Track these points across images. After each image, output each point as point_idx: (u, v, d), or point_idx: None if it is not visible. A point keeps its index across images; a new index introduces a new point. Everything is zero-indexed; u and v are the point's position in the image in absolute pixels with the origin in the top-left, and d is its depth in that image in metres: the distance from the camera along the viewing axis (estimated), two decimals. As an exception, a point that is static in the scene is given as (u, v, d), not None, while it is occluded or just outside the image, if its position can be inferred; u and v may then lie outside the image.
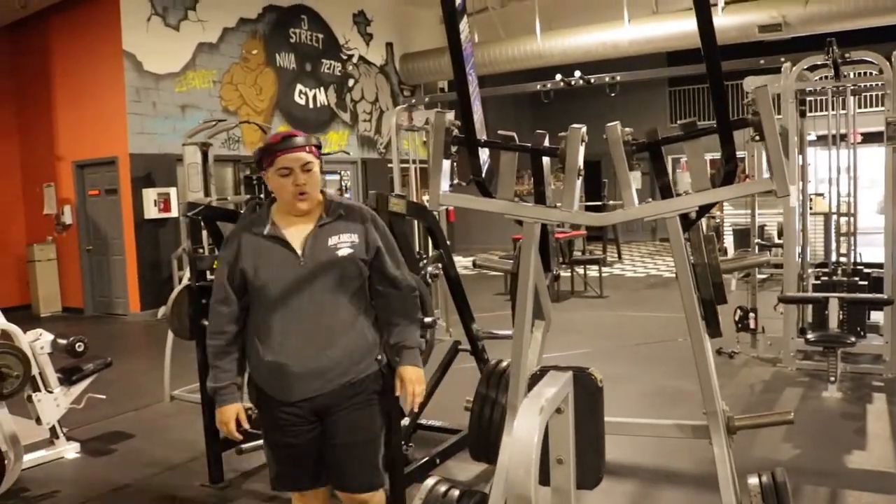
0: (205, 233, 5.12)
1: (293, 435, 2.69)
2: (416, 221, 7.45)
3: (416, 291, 2.86)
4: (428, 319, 3.87)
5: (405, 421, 4.11)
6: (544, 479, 1.85)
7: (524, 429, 1.60)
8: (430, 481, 2.68)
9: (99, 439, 5.28)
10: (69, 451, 4.97)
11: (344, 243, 2.62)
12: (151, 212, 10.56)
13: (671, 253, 2.61)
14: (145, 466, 4.73)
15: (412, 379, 2.69)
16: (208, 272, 4.44)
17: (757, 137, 2.71)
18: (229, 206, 9.23)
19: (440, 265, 4.59)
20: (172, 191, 10.76)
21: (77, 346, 4.95)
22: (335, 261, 2.60)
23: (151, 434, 5.40)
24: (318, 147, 2.66)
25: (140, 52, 10.64)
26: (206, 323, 4.28)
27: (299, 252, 2.59)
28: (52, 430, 4.91)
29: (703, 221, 10.37)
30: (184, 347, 5.84)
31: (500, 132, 2.70)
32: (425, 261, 4.57)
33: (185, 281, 5.42)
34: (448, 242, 4.72)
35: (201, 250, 4.42)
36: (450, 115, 2.68)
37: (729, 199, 3.77)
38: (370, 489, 2.73)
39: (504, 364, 3.54)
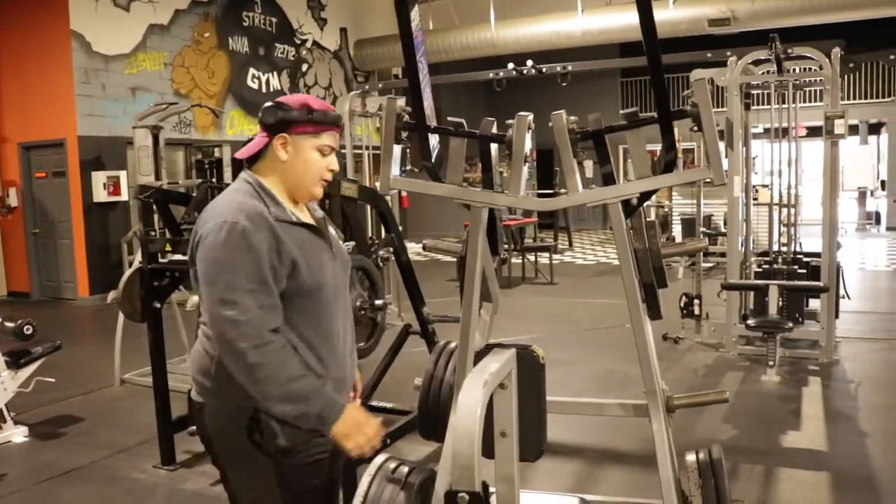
0: (157, 216, 5.11)
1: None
2: (368, 207, 7.50)
3: None
4: (379, 302, 3.94)
5: (356, 402, 4.18)
6: (488, 451, 1.93)
7: (468, 402, 1.67)
8: (379, 458, 2.69)
9: (48, 423, 5.24)
10: (17, 434, 4.93)
11: (338, 236, 2.33)
12: (101, 195, 10.38)
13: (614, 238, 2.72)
14: (96, 449, 4.71)
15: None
16: (159, 255, 4.44)
17: (696, 128, 2.83)
18: (180, 190, 9.19)
19: (392, 249, 4.65)
20: (123, 174, 10.60)
21: (25, 328, 4.92)
22: (345, 254, 2.29)
23: (102, 417, 5.38)
24: None
25: (89, 32, 10.43)
26: (157, 305, 4.34)
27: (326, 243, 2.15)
28: (0, 413, 4.86)
29: (652, 210, 10.59)
30: (134, 331, 5.84)
31: (449, 119, 2.77)
32: (377, 245, 4.64)
33: (137, 264, 5.40)
34: (401, 228, 4.80)
35: (153, 233, 4.42)
36: (401, 101, 2.74)
37: (668, 186, 3.90)
38: None
39: (452, 345, 3.61)
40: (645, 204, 3.02)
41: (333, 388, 2.04)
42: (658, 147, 2.76)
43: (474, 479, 1.61)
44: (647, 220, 3.17)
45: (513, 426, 1.85)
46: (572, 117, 2.88)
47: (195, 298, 5.98)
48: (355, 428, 1.94)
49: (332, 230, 2.24)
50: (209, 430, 2.06)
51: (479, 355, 2.22)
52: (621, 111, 2.94)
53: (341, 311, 2.13)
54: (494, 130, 2.86)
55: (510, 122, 2.80)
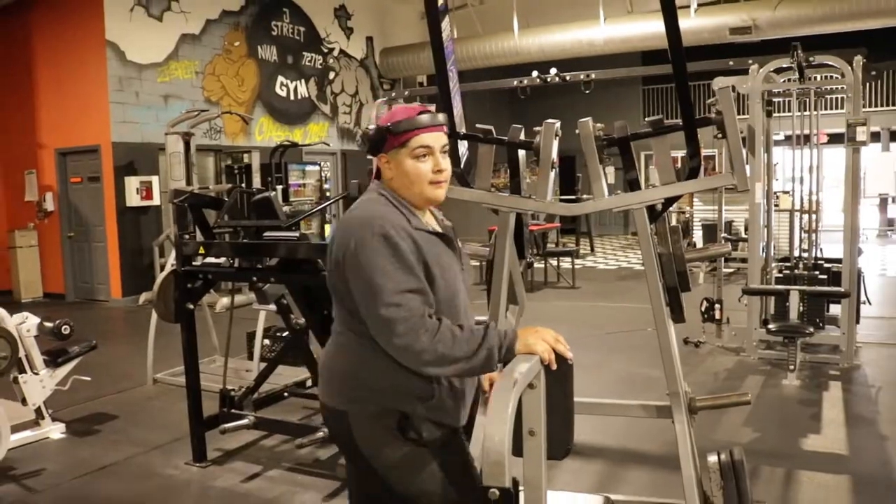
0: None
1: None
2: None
3: None
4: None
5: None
6: (517, 449, 2.00)
7: (499, 402, 1.74)
8: None
9: (83, 420, 5.38)
10: (54, 431, 5.05)
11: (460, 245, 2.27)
12: (133, 200, 10.60)
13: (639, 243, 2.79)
14: (129, 446, 4.83)
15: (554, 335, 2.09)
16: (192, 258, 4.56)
17: (720, 135, 2.91)
18: (211, 195, 9.35)
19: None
20: (155, 179, 10.81)
21: (63, 328, 5.03)
22: (469, 263, 2.30)
23: (135, 415, 5.51)
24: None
25: (123, 42, 10.67)
26: (190, 307, 4.46)
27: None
28: (38, 411, 4.98)
29: (673, 216, 10.61)
30: (166, 332, 5.98)
31: (477, 126, 2.87)
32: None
33: (171, 266, 5.53)
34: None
35: (188, 236, 4.53)
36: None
37: (693, 192, 3.96)
38: None
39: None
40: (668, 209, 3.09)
41: (452, 400, 2.09)
42: (681, 154, 2.84)
43: (504, 475, 1.66)
44: (671, 225, 3.25)
45: (541, 425, 1.91)
46: (598, 124, 2.97)
47: (225, 300, 6.12)
48: (534, 338, 1.96)
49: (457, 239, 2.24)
50: (356, 437, 2.08)
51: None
52: (646, 119, 3.02)
53: (466, 320, 2.10)
54: (522, 137, 2.95)
55: (537, 129, 2.90)
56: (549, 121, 2.85)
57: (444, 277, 2.04)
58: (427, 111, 2.08)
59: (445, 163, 2.10)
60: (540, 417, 1.88)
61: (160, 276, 5.53)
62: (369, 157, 2.17)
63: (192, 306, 4.49)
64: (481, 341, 1.94)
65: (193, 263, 4.55)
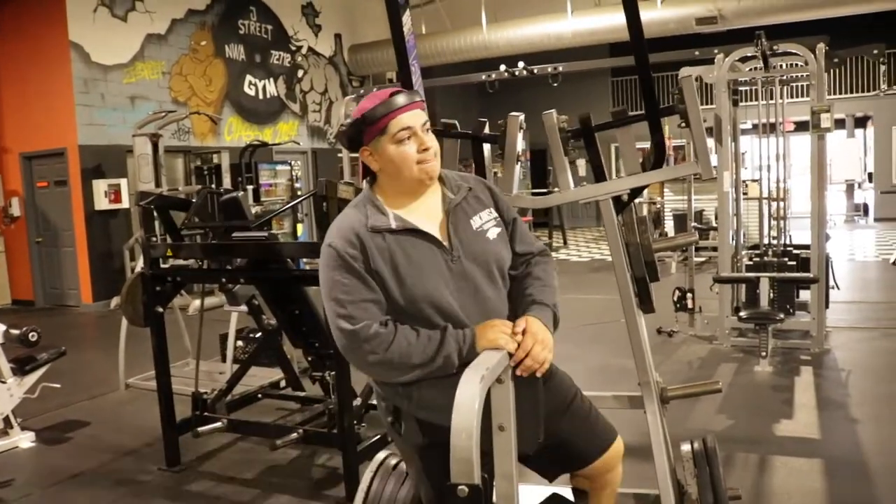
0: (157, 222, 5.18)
1: None
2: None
3: (547, 252, 2.29)
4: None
5: (357, 401, 4.26)
6: (488, 445, 1.99)
7: (466, 397, 1.72)
8: (381, 454, 2.75)
9: (54, 428, 5.31)
10: (24, 440, 4.98)
11: (489, 222, 2.10)
12: (102, 203, 10.47)
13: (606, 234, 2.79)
14: (101, 453, 4.77)
15: (535, 332, 1.95)
16: (161, 260, 4.51)
17: (683, 124, 2.92)
18: (180, 196, 9.26)
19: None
20: (123, 182, 10.69)
21: (30, 335, 4.96)
22: (489, 246, 2.07)
23: (107, 422, 5.45)
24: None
25: (87, 42, 10.52)
26: (159, 310, 4.41)
27: (446, 244, 2.02)
28: (6, 419, 4.92)
29: (645, 207, 10.66)
30: (138, 336, 5.88)
31: (442, 121, 2.85)
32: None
33: (139, 269, 5.48)
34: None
35: (155, 238, 4.48)
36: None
37: (658, 181, 3.98)
38: None
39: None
40: (637, 200, 3.09)
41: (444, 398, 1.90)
42: (648, 144, 2.84)
43: (473, 472, 1.65)
44: (639, 215, 3.25)
45: (510, 420, 1.90)
46: (563, 116, 2.96)
47: (197, 303, 6.06)
48: (494, 332, 1.92)
49: (475, 219, 2.08)
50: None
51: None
52: (610, 109, 3.02)
53: (455, 317, 1.98)
54: (487, 131, 2.94)
55: (501, 122, 2.88)
56: (513, 114, 2.84)
57: (410, 276, 1.95)
58: (400, 91, 1.99)
59: (430, 139, 2.00)
60: (509, 412, 1.87)
61: (128, 280, 5.46)
62: (353, 155, 2.15)
63: (161, 309, 4.44)
64: (437, 347, 1.92)
65: (161, 266, 4.51)
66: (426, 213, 2.05)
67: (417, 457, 2.10)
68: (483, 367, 1.79)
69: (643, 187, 3.04)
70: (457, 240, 2.01)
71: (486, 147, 2.96)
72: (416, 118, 1.98)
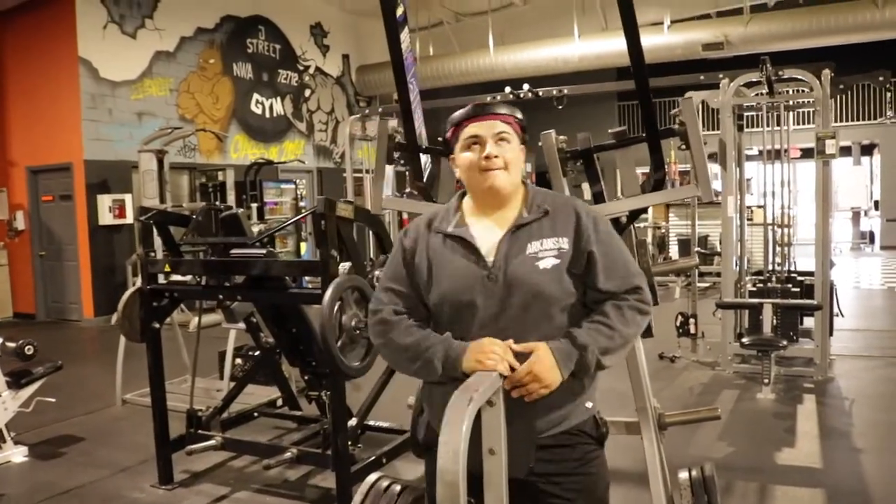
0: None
1: None
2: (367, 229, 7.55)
3: (640, 293, 2.06)
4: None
5: (352, 421, 4.21)
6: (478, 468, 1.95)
7: (454, 419, 1.68)
8: (372, 476, 2.71)
9: (48, 443, 5.27)
10: (17, 454, 4.95)
11: (548, 251, 1.96)
12: (106, 218, 10.48)
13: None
14: (95, 469, 4.74)
15: (533, 362, 1.87)
16: (159, 276, 4.49)
17: (683, 146, 2.90)
18: (185, 213, 9.26)
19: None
20: (128, 197, 10.71)
21: (26, 349, 4.95)
22: (534, 275, 1.94)
23: (102, 437, 5.41)
24: (522, 124, 2.07)
25: (96, 58, 10.59)
26: (156, 325, 4.38)
27: (488, 258, 1.97)
28: (0, 433, 4.88)
29: (650, 231, 10.60)
30: (137, 352, 5.85)
31: (439, 139, 2.84)
32: (373, 265, 4.67)
33: (137, 284, 5.45)
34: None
35: (154, 254, 4.46)
36: (393, 123, 2.82)
37: (657, 203, 3.95)
38: None
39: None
40: (639, 223, 3.06)
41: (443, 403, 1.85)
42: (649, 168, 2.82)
43: (459, 496, 1.60)
44: (638, 238, 3.23)
45: (501, 444, 1.84)
46: (562, 137, 2.95)
47: (196, 320, 6.04)
48: (480, 354, 1.86)
49: (534, 243, 1.97)
50: None
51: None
52: (610, 130, 3.01)
53: (471, 334, 1.94)
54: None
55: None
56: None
57: (442, 278, 1.98)
58: (483, 104, 2.05)
59: (497, 149, 1.97)
60: (500, 436, 1.82)
61: (125, 295, 5.44)
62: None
63: (157, 325, 4.41)
64: (426, 348, 1.94)
65: (160, 281, 4.48)
66: (494, 226, 2.01)
67: (426, 459, 2.19)
68: (472, 388, 1.74)
69: (642, 210, 3.02)
70: (501, 259, 1.95)
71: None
72: (488, 128, 1.99)
